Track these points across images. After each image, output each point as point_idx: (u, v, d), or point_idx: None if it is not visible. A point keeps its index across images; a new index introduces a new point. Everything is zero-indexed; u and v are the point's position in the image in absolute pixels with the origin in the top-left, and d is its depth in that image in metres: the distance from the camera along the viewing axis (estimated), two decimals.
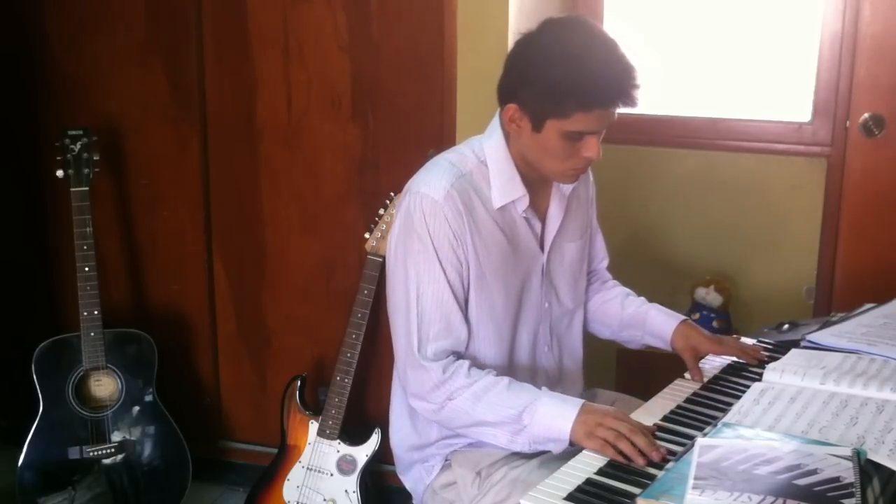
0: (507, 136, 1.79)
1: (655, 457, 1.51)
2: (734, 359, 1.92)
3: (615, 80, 1.64)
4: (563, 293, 1.96)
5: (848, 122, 2.69)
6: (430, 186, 1.74)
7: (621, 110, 1.69)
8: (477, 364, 1.78)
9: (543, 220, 1.88)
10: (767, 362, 1.81)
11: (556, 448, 1.65)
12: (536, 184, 1.84)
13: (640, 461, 1.49)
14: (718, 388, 1.80)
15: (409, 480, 1.99)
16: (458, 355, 1.78)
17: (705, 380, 1.84)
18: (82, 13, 2.80)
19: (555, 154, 1.72)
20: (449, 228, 1.73)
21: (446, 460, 1.89)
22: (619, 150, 2.90)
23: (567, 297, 1.97)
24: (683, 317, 1.99)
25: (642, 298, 2.08)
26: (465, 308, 1.79)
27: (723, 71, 2.95)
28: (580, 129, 1.66)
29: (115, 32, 2.79)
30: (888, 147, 2.65)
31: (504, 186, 1.79)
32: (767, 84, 2.91)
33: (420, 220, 1.73)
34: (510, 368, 1.85)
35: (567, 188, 1.89)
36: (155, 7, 2.74)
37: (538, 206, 1.87)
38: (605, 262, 2.14)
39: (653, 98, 2.98)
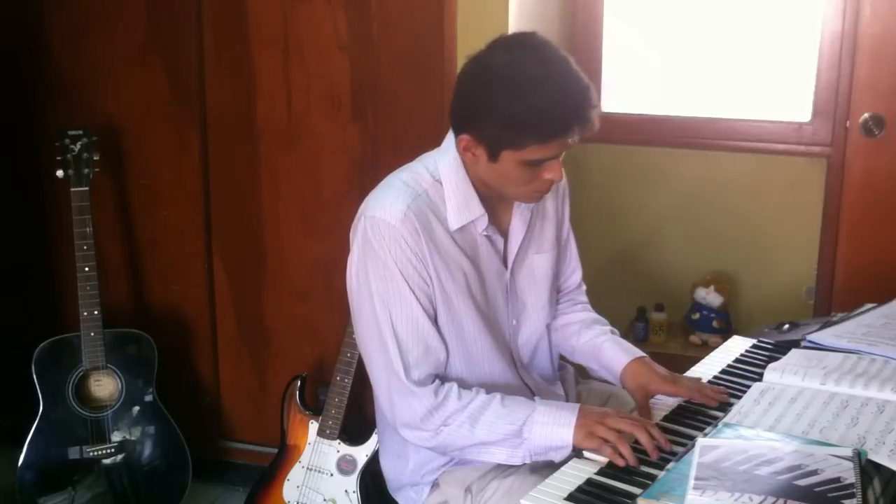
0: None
1: (654, 455, 1.51)
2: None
3: (571, 109, 1.57)
4: (533, 308, 1.89)
5: (848, 122, 2.69)
6: (386, 210, 1.68)
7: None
8: (461, 386, 1.73)
9: (506, 236, 1.83)
10: (730, 404, 1.68)
11: (558, 456, 1.63)
12: (496, 200, 1.78)
13: (633, 462, 1.49)
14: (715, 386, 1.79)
15: (401, 499, 1.96)
16: (442, 379, 1.74)
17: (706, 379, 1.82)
18: (82, 13, 2.79)
19: (514, 181, 1.67)
20: (411, 252, 1.68)
21: (434, 481, 1.86)
22: (619, 150, 2.91)
23: (541, 311, 1.90)
24: (639, 353, 1.88)
25: (605, 328, 1.97)
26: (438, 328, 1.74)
27: (723, 71, 2.96)
28: (537, 157, 1.62)
29: (115, 32, 2.78)
30: (888, 147, 2.65)
31: (460, 207, 1.73)
32: (767, 84, 2.92)
33: (380, 245, 1.67)
34: (485, 388, 1.76)
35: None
36: (155, 7, 2.74)
37: (500, 222, 1.81)
38: (577, 276, 2.03)
39: (653, 98, 2.99)
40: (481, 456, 1.70)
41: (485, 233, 1.77)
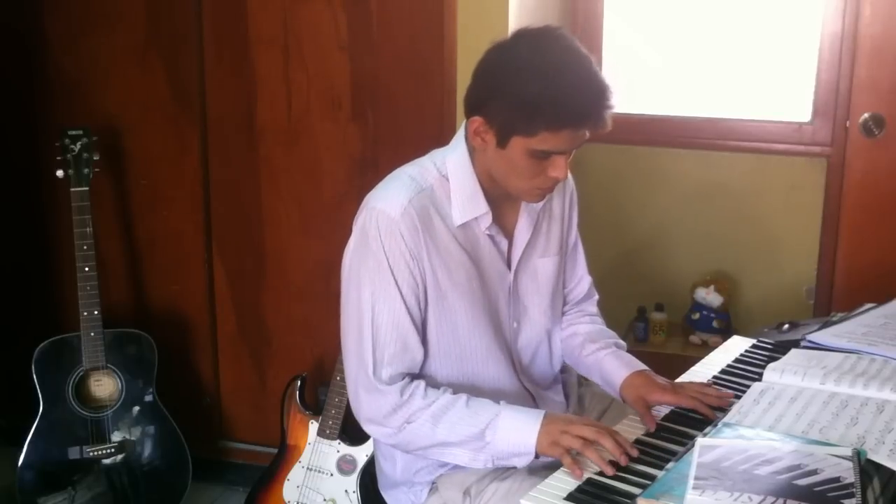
0: (471, 150, 1.72)
1: (623, 461, 1.49)
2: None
3: (587, 100, 1.55)
4: (536, 312, 1.87)
5: (848, 122, 2.69)
6: (388, 202, 1.67)
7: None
8: (436, 384, 1.72)
9: (511, 238, 1.81)
10: (729, 403, 1.67)
11: (521, 462, 1.62)
12: (503, 199, 1.76)
13: (608, 470, 1.47)
14: (719, 388, 1.79)
15: (391, 499, 1.94)
16: (413, 377, 1.72)
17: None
18: (82, 13, 2.80)
19: (520, 172, 1.64)
20: (405, 246, 1.66)
21: (433, 484, 1.85)
22: (619, 150, 2.91)
23: (543, 315, 1.88)
24: (641, 366, 1.84)
25: (608, 341, 1.92)
26: (421, 329, 1.73)
27: (723, 71, 2.96)
28: (546, 148, 1.59)
29: (115, 32, 2.78)
30: (888, 147, 2.65)
31: (465, 203, 1.71)
32: (767, 84, 2.92)
33: (375, 238, 1.67)
34: (478, 390, 1.75)
35: (537, 204, 1.81)
36: (155, 7, 2.74)
37: (505, 223, 1.79)
38: (585, 285, 2.00)
39: (653, 98, 2.99)
40: (444, 457, 1.69)
41: (488, 232, 1.75)
